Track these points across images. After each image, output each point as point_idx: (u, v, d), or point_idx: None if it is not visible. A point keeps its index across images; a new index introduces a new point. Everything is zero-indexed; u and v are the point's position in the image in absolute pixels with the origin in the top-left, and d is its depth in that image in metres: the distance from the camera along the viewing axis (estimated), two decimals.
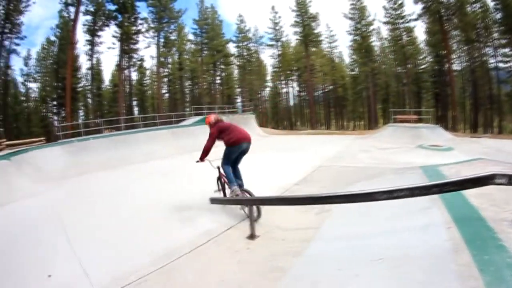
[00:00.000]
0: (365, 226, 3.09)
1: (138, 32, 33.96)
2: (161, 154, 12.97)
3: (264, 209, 4.03)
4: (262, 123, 49.57)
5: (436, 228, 2.36)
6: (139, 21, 33.50)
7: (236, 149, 4.48)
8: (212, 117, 4.96)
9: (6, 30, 28.70)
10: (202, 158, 4.73)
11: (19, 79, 38.12)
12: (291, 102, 51.86)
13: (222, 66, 45.58)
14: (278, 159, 9.74)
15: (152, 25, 34.73)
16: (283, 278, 2.51)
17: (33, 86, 39.16)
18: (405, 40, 37.65)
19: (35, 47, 64.40)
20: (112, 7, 30.73)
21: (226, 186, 4.64)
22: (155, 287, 2.78)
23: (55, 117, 37.40)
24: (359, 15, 39.98)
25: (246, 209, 3.95)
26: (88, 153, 12.01)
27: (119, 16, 31.09)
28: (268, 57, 47.19)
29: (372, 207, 2.93)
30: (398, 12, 36.99)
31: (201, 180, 7.22)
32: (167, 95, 46.68)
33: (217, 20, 42.53)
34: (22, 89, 39.02)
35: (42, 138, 15.79)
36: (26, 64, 37.46)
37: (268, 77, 51.14)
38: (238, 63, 46.74)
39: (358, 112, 47.16)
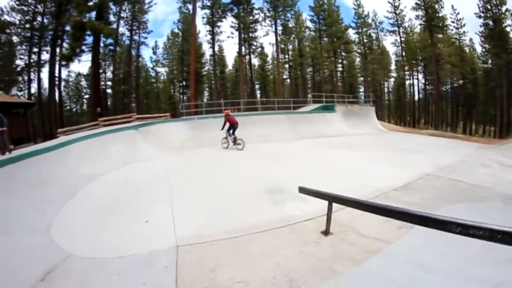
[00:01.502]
0: (435, 256, 2.92)
1: (255, 21, 38.43)
2: (276, 137, 14.76)
3: (352, 211, 4.32)
4: (383, 117, 46.87)
5: None
6: (255, 11, 37.95)
7: (232, 127, 12.07)
8: (228, 112, 12.93)
9: (135, 28, 38.97)
10: (222, 128, 12.36)
11: (149, 65, 50.15)
12: (416, 96, 47.72)
13: (343, 54, 45.67)
14: (386, 158, 9.40)
15: (268, 14, 38.53)
16: (329, 282, 2.78)
17: (162, 70, 50.76)
18: None
19: (162, 37, 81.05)
20: (226, 0, 36.20)
21: (228, 140, 12.33)
22: (220, 251, 3.53)
23: (181, 96, 46.39)
24: None
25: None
26: (206, 130, 14.93)
27: (235, 8, 36.14)
28: (390, 45, 44.14)
29: (456, 238, 2.83)
30: None
31: (304, 167, 8.16)
32: (288, 81, 50.11)
33: (333, 6, 42.48)
34: (152, 73, 50.84)
35: (167, 114, 20.05)
36: (154, 53, 48.62)
37: (392, 67, 47.91)
38: (359, 50, 45.81)
39: (490, 115, 39.63)
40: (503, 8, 33.29)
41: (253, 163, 9.02)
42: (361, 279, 2.75)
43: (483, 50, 38.72)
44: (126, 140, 11.55)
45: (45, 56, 33.28)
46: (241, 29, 36.91)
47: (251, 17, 37.51)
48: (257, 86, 51.73)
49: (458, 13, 39.80)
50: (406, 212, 2.82)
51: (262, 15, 38.66)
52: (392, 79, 49.88)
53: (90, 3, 27.39)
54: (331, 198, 3.76)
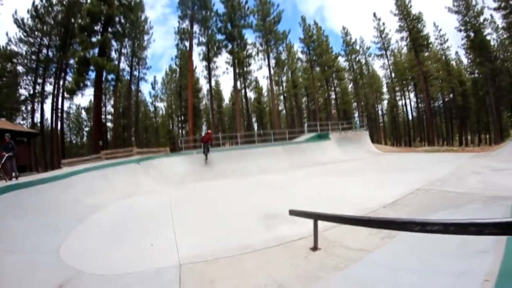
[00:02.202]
0: (411, 258, 3.25)
1: (249, 56, 40.44)
2: (273, 168, 15.30)
3: (342, 229, 4.77)
4: (379, 139, 47.86)
5: (471, 278, 2.39)
6: (248, 46, 40.07)
7: (204, 144, 15.79)
8: (209, 131, 16.97)
9: (134, 63, 41.44)
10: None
11: (148, 99, 53.10)
12: (410, 115, 49.92)
13: (335, 81, 47.74)
14: (379, 180, 9.84)
15: (260, 48, 40.69)
16: (312, 285, 3.15)
17: (160, 105, 53.48)
18: None
19: (161, 72, 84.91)
20: (221, 37, 38.30)
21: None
22: (218, 267, 3.90)
23: (180, 131, 47.44)
24: (464, 5, 35.89)
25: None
26: (205, 164, 15.57)
27: (229, 44, 38.02)
28: (379, 68, 46.73)
29: (436, 240, 3.22)
30: None
31: (298, 194, 8.63)
32: (284, 111, 51.72)
33: (322, 36, 45.05)
34: (151, 107, 53.36)
35: (167, 148, 20.65)
36: (153, 88, 52.25)
37: (384, 89, 50.48)
38: (350, 77, 48.17)
39: (484, 123, 41.72)
40: (481, 18, 35.67)
41: (250, 193, 9.47)
42: (340, 282, 3.12)
43: (469, 61, 41.08)
44: (128, 173, 12.07)
45: (49, 88, 34.96)
46: (235, 64, 38.68)
47: (245, 52, 39.38)
48: (254, 119, 53.12)
49: (440, 30, 42.99)
50: (374, 220, 3.25)
51: (255, 49, 40.81)
52: (385, 101, 51.72)
53: (94, 39, 28.68)
54: (316, 216, 4.18)
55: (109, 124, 43.04)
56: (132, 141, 40.64)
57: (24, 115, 35.42)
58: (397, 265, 3.26)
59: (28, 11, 32.95)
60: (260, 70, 43.60)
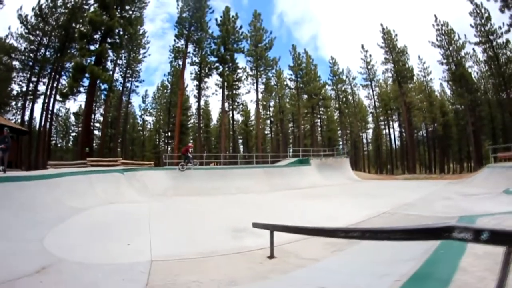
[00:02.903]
0: (350, 265, 3.93)
1: (239, 80, 42.09)
2: (252, 189, 15.96)
3: (301, 243, 5.47)
4: (362, 167, 49.38)
5: (388, 278, 2.76)
6: (239, 70, 41.82)
7: (183, 155, 17.49)
8: (189, 145, 18.57)
9: (128, 75, 42.80)
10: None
11: (138, 112, 53.68)
12: (394, 144, 51.70)
13: (322, 109, 49.83)
14: (350, 203, 10.60)
15: (250, 73, 42.56)
16: (258, 283, 3.82)
17: (149, 119, 54.31)
18: (504, 58, 33.53)
19: (153, 85, 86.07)
20: (213, 59, 39.88)
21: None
22: (183, 265, 4.51)
23: (166, 146, 47.85)
24: (447, 40, 38.65)
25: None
26: (187, 180, 16.25)
27: (220, 66, 39.64)
28: (365, 98, 49.50)
29: (376, 252, 3.94)
30: (487, 27, 34.00)
31: (270, 212, 9.31)
32: (271, 135, 53.08)
33: (311, 64, 47.39)
34: (139, 120, 54.17)
35: (151, 162, 21.15)
36: (144, 102, 52.44)
37: (370, 118, 52.66)
38: (336, 105, 50.26)
39: (465, 152, 43.78)
40: (462, 52, 38.19)
41: (225, 210, 10.13)
42: (283, 280, 3.78)
43: (451, 92, 43.62)
44: (112, 181, 12.56)
45: (42, 87, 35.30)
46: (225, 87, 40.03)
47: (235, 76, 40.92)
48: (240, 141, 54.03)
49: (424, 62, 45.62)
50: (313, 229, 3.94)
51: (245, 74, 42.59)
52: (370, 130, 53.45)
53: (92, 47, 29.47)
54: (271, 227, 4.85)
55: (96, 132, 43.15)
56: (117, 152, 40.78)
57: (14, 111, 35.39)
58: (335, 269, 3.95)
59: (32, 9, 33.77)
60: (248, 94, 45.15)
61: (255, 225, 5.47)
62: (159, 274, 4.08)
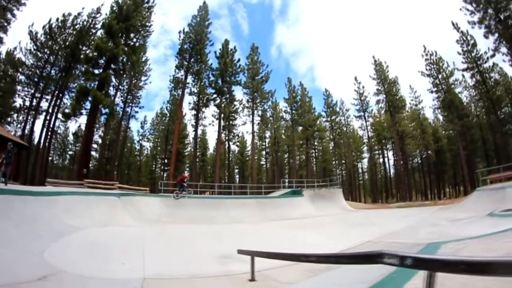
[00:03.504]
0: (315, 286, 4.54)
1: (235, 111, 43.22)
2: (244, 219, 16.23)
3: (283, 270, 5.82)
4: (358, 196, 49.79)
5: None
6: (235, 102, 42.93)
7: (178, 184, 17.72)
8: (185, 175, 19.65)
9: (128, 100, 43.99)
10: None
11: (136, 137, 54.54)
12: (389, 173, 52.41)
13: (317, 141, 50.84)
14: (339, 233, 10.97)
15: (247, 105, 43.72)
16: None
17: (146, 144, 55.04)
18: (491, 81, 35.18)
19: (153, 111, 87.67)
20: (211, 90, 41.24)
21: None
22: (173, 283, 5.00)
23: (162, 173, 48.11)
24: (436, 69, 40.25)
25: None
26: (181, 208, 16.49)
27: (218, 98, 40.83)
28: (358, 128, 50.82)
29: (343, 276, 4.44)
30: (474, 53, 35.55)
31: (259, 241, 9.66)
32: (265, 166, 53.67)
33: (306, 97, 48.87)
34: (137, 145, 54.83)
35: (147, 188, 21.53)
36: (142, 127, 53.44)
37: (365, 148, 53.40)
38: (330, 136, 51.51)
39: (460, 176, 43.30)
40: (452, 79, 39.71)
41: (216, 238, 10.47)
42: None
43: (443, 119, 44.78)
44: (108, 204, 12.94)
45: (44, 104, 35.90)
46: (221, 118, 40.99)
47: (231, 107, 42.06)
48: (236, 170, 54.47)
49: (416, 91, 47.13)
50: (284, 254, 4.45)
51: (242, 106, 43.63)
52: (365, 160, 54.32)
53: (96, 71, 30.57)
54: (252, 253, 5.33)
55: (93, 153, 43.56)
56: (113, 175, 40.96)
57: (14, 125, 35.93)
58: None
59: (43, 27, 35.11)
60: (244, 125, 45.86)
61: (240, 251, 5.93)
62: (151, 285, 4.54)
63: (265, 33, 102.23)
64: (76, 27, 36.36)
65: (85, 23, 36.67)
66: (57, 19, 35.72)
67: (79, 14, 36.63)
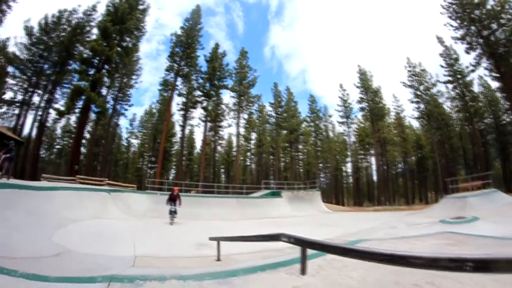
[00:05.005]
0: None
1: (222, 114, 44.91)
2: (224, 217, 17.59)
3: (246, 255, 7.36)
4: (341, 200, 51.82)
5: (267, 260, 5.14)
6: (222, 105, 44.82)
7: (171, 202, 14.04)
8: (176, 189, 15.05)
9: (119, 98, 44.92)
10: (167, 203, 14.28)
11: (124, 135, 55.56)
12: (373, 177, 54.55)
13: (301, 145, 52.87)
14: (305, 231, 11.33)
15: (233, 108, 45.53)
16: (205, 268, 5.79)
17: (134, 142, 55.99)
18: (470, 95, 38.12)
19: (142, 106, 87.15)
20: (199, 93, 42.90)
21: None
22: (156, 260, 6.41)
23: (148, 170, 48.97)
24: (417, 81, 42.98)
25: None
26: (165, 205, 17.43)
27: (205, 101, 42.66)
28: (341, 134, 52.67)
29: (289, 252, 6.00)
30: (456, 67, 38.37)
31: (231, 234, 10.94)
32: (252, 166, 55.42)
33: (292, 101, 51.15)
34: (125, 142, 55.70)
35: (134, 185, 22.77)
36: (131, 125, 54.49)
37: (349, 153, 55.49)
38: (312, 140, 53.68)
39: (443, 181, 45.93)
40: (434, 90, 42.49)
41: (196, 231, 11.91)
42: (218, 268, 5.70)
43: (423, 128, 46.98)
44: (99, 199, 14.19)
45: (36, 99, 36.57)
46: (207, 121, 42.67)
47: (218, 110, 43.79)
48: (223, 170, 55.78)
49: (398, 100, 49.83)
50: (236, 236, 6.06)
51: (228, 109, 45.42)
52: (349, 164, 56.41)
53: (91, 72, 31.48)
54: (218, 239, 6.83)
55: (82, 149, 44.09)
56: (102, 171, 41.73)
57: (4, 117, 36.21)
58: (249, 263, 5.91)
59: (38, 23, 35.91)
60: (231, 127, 47.31)
61: (210, 238, 7.42)
62: (141, 262, 6.00)
63: (259, 33, 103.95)
64: (72, 23, 37.03)
65: (80, 20, 37.42)
66: (53, 15, 36.58)
67: (74, 10, 37.50)
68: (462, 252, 3.59)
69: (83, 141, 43.50)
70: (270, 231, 11.83)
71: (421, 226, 11.95)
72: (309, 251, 3.88)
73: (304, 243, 3.75)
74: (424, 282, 3.51)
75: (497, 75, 33.30)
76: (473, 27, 34.03)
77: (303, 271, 4.07)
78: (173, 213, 13.94)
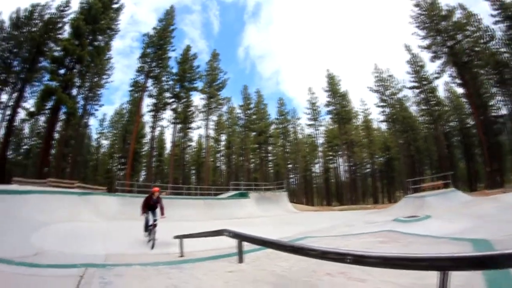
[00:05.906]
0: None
1: (191, 115, 45.40)
2: (191, 218, 18.15)
3: (208, 252, 8.48)
4: (311, 200, 53.87)
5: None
6: (192, 107, 45.33)
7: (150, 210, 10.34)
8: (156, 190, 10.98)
9: (89, 99, 43.52)
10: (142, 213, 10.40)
11: (94, 135, 54.19)
12: (341, 178, 55.44)
13: (270, 147, 54.50)
14: (268, 230, 12.83)
15: (203, 110, 46.07)
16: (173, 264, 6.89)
17: (104, 143, 54.72)
18: (433, 100, 41.15)
19: (113, 105, 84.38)
20: (169, 94, 43.32)
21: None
22: (125, 257, 7.40)
23: (118, 172, 48.56)
24: (384, 86, 45.56)
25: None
26: (135, 207, 17.76)
27: (174, 103, 43.20)
28: (309, 136, 54.54)
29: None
30: (421, 74, 41.42)
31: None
32: (222, 168, 56.92)
33: (262, 104, 52.75)
34: (95, 143, 54.57)
35: (104, 188, 23.24)
36: (101, 125, 53.41)
37: (319, 154, 57.50)
38: (281, 142, 55.21)
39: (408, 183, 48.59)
40: (400, 95, 45.02)
41: (163, 232, 12.25)
42: (181, 261, 6.81)
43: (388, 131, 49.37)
44: (71, 202, 14.63)
45: (4, 97, 34.90)
46: (177, 123, 43.25)
47: (188, 112, 44.36)
48: (193, 171, 56.23)
49: (366, 104, 52.40)
50: (195, 233, 7.26)
51: (197, 111, 45.99)
52: (318, 165, 58.14)
53: (61, 71, 31.17)
54: (181, 236, 7.94)
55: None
56: (71, 173, 40.89)
57: None
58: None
59: (9, 18, 34.55)
60: (200, 129, 47.98)
61: (176, 237, 8.50)
62: (112, 258, 6.99)
63: (235, 33, 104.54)
64: (45, 18, 35.80)
65: (53, 15, 36.23)
66: (25, 9, 35.34)
67: (47, 5, 36.28)
68: (387, 250, 4.72)
69: (52, 142, 42.89)
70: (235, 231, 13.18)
71: (376, 224, 12.48)
72: (254, 246, 4.97)
73: (240, 237, 4.99)
74: (336, 272, 4.18)
75: (461, 82, 36.37)
76: (439, 37, 36.81)
77: (240, 260, 5.31)
78: (151, 228, 9.89)
